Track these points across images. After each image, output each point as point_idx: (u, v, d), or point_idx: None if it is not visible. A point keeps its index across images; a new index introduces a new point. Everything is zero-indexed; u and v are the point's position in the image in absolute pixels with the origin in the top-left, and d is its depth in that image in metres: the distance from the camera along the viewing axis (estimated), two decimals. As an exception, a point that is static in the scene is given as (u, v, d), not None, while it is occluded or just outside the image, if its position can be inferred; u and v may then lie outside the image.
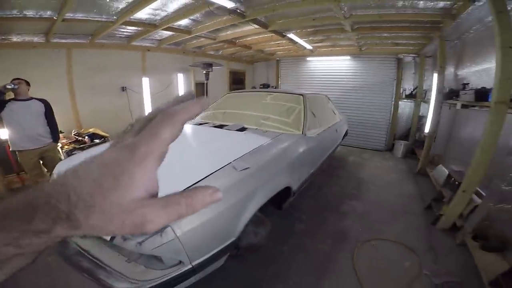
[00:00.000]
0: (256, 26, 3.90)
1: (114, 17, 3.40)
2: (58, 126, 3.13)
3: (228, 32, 4.61)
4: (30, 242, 0.21)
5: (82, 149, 3.50)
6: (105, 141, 3.83)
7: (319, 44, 5.48)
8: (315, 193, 3.53)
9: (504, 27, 1.94)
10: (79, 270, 1.35)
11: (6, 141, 3.26)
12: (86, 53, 4.21)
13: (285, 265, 2.20)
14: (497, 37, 1.97)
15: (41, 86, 3.53)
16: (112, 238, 1.25)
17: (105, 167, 0.23)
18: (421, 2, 2.83)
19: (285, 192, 2.16)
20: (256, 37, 4.93)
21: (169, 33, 4.46)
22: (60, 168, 2.01)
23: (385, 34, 4.40)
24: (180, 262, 1.29)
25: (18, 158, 2.93)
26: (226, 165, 1.69)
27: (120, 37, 4.46)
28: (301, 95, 3.00)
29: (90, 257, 1.40)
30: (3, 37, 3.52)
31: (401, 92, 5.81)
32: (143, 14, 3.42)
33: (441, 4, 2.79)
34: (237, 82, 7.50)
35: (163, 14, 3.52)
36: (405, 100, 5.84)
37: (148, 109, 5.12)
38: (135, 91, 4.85)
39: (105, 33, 3.87)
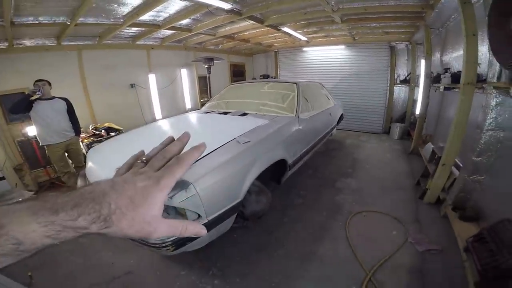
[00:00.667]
0: (253, 22, 4.18)
1: (121, 20, 3.70)
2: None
3: (226, 28, 4.88)
4: (67, 235, 0.27)
5: (100, 141, 3.87)
6: (120, 133, 4.18)
7: (314, 35, 5.74)
8: (312, 173, 3.90)
9: (468, 16, 2.22)
10: None
11: (33, 138, 3.67)
12: (95, 53, 4.54)
13: (285, 233, 2.54)
14: (463, 25, 2.25)
15: (57, 85, 3.87)
16: None
17: (138, 189, 0.32)
18: (402, -6, 3.09)
19: (282, 167, 2.54)
20: (253, 31, 5.20)
21: (171, 31, 4.74)
22: (91, 154, 2.39)
23: (374, 24, 4.65)
24: (199, 216, 1.62)
25: (47, 152, 3.32)
26: (231, 140, 2.08)
27: (125, 37, 4.77)
28: (295, 83, 3.33)
29: None
30: (18, 41, 3.86)
31: (395, 78, 6.07)
32: (146, 16, 3.69)
33: (421, -6, 3.05)
34: (237, 74, 7.83)
35: (166, 15, 3.83)
36: (400, 86, 6.10)
37: (156, 103, 5.49)
38: (143, 87, 5.20)
39: (112, 35, 4.19)
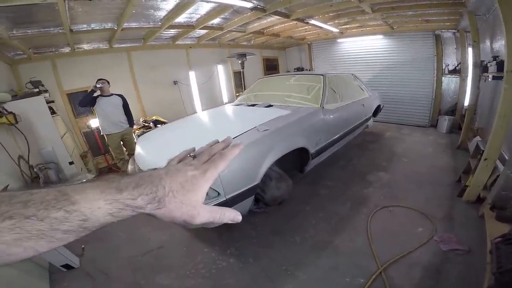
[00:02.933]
0: (278, 17, 4.23)
1: (159, 23, 4.13)
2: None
3: (255, 25, 5.06)
4: (125, 214, 0.31)
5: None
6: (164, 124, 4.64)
7: (347, 26, 5.57)
8: (344, 165, 3.91)
9: (507, 1, 2.01)
10: None
11: (96, 129, 4.34)
12: (142, 54, 5.16)
13: (305, 221, 2.65)
14: (499, 11, 2.05)
15: (111, 84, 4.51)
16: None
17: (188, 177, 0.37)
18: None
19: (305, 156, 2.68)
20: (282, 25, 5.27)
21: (204, 31, 5.10)
22: (140, 141, 2.85)
23: (410, 12, 4.36)
24: (218, 194, 1.86)
25: (106, 140, 3.97)
26: (252, 128, 2.31)
27: (166, 38, 5.28)
28: (322, 75, 3.40)
29: None
30: (78, 46, 4.57)
31: (443, 68, 5.57)
32: (181, 18, 4.03)
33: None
34: (270, 68, 8.02)
35: (198, 16, 4.16)
36: (448, 76, 5.62)
37: (196, 98, 6.05)
38: (184, 84, 5.74)
39: (154, 37, 4.69)
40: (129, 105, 4.00)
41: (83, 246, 2.47)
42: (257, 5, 3.58)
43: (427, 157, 4.08)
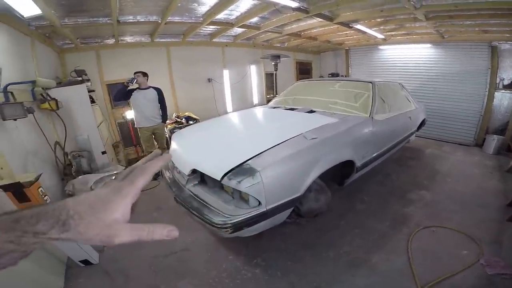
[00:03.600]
0: (321, 20, 4.07)
1: (201, 19, 4.12)
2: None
3: (293, 26, 4.90)
4: (28, 240, 0.30)
5: (180, 128, 4.48)
6: (197, 122, 4.68)
7: (392, 33, 5.26)
8: (381, 179, 3.63)
9: None
10: (190, 209, 1.90)
11: (130, 120, 4.45)
12: (180, 50, 5.27)
13: (339, 236, 2.46)
14: None
15: (150, 77, 4.62)
16: (222, 178, 1.75)
17: (98, 197, 0.35)
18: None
19: (348, 168, 2.50)
20: (322, 29, 5.13)
21: (242, 29, 5.05)
22: (175, 137, 2.79)
23: (468, 22, 4.02)
24: (259, 204, 1.75)
25: (139, 133, 4.03)
26: (298, 135, 2.16)
27: (204, 35, 5.34)
28: (370, 82, 3.20)
29: (199, 200, 1.94)
30: (121, 38, 4.72)
31: (497, 82, 5.06)
32: (221, 15, 4.00)
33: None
34: (303, 72, 7.87)
35: (237, 14, 4.08)
36: (502, 91, 5.09)
37: (228, 97, 6.05)
38: (218, 82, 5.76)
39: (193, 33, 4.73)
40: (165, 100, 4.01)
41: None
42: (301, 5, 3.44)
43: (473, 178, 3.72)
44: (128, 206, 0.36)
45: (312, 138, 2.07)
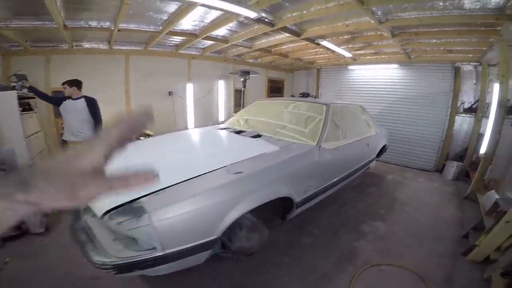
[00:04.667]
0: (288, 35, 3.99)
1: (160, 28, 3.84)
2: None
3: (262, 41, 4.77)
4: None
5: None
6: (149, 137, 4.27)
7: (361, 52, 5.19)
8: (336, 209, 3.30)
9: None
10: (75, 241, 1.58)
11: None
12: (141, 59, 4.86)
13: (278, 276, 2.11)
14: None
15: (104, 86, 4.26)
16: (103, 215, 1.40)
17: (65, 156, 0.31)
18: (467, 1, 2.46)
19: (288, 203, 2.15)
20: (292, 45, 4.97)
21: (210, 42, 4.84)
22: None
23: (434, 40, 3.94)
24: (154, 247, 1.39)
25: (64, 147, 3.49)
26: (220, 168, 1.79)
27: (169, 45, 5.02)
28: (325, 104, 2.91)
29: (90, 233, 1.59)
30: (77, 43, 4.33)
31: (458, 105, 5.04)
32: (186, 25, 3.82)
33: (493, 3, 2.38)
34: (275, 90, 7.58)
35: (202, 25, 3.87)
36: (463, 115, 5.05)
37: (190, 112, 5.59)
38: (180, 96, 5.35)
39: (155, 42, 4.43)
40: (110, 111, 3.51)
41: (7, 259, 2.04)
42: (264, 17, 3.27)
43: (431, 206, 3.51)
44: (98, 154, 0.31)
45: (236, 173, 1.71)
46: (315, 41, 4.18)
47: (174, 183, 1.58)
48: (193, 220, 1.48)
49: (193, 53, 5.41)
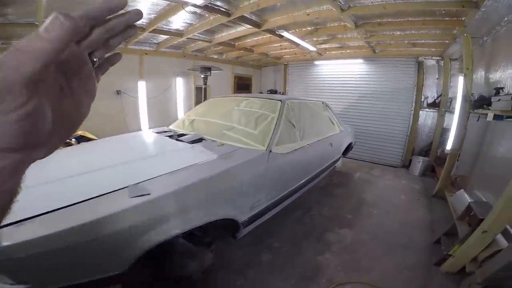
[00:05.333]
0: (249, 26, 3.56)
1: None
2: None
3: (223, 34, 4.27)
4: None
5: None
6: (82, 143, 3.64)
7: (326, 46, 4.89)
8: (300, 216, 2.93)
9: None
10: None
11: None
12: None
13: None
14: None
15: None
16: None
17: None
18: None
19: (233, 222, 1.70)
20: (255, 38, 4.53)
21: (165, 36, 4.27)
22: None
23: (398, 32, 3.71)
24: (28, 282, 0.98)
25: None
26: (121, 188, 1.28)
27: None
28: (280, 100, 2.48)
29: None
30: (3, 41, 3.54)
31: (422, 100, 4.94)
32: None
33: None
34: (242, 87, 7.06)
35: (149, 17, 3.36)
36: (426, 110, 4.96)
37: (143, 113, 4.89)
38: (130, 95, 4.66)
39: None
40: None
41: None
42: (217, 5, 2.85)
43: (400, 207, 3.26)
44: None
45: (140, 195, 1.22)
46: (277, 32, 3.76)
47: (60, 206, 1.11)
48: (74, 255, 1.04)
49: (146, 48, 4.76)
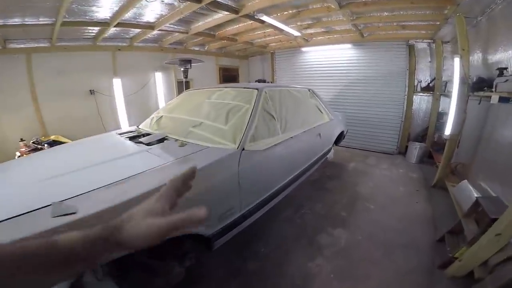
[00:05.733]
0: (226, 12, 3.21)
1: (53, 19, 2.91)
2: (17, 133, 3.31)
3: (199, 23, 3.89)
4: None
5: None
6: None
7: (311, 31, 4.54)
8: (291, 215, 2.67)
9: None
10: None
11: None
12: (48, 57, 3.72)
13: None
14: None
15: (2, 92, 3.33)
16: None
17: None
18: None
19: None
20: (235, 26, 4.17)
21: (137, 30, 3.88)
22: None
23: (386, 13, 3.38)
24: None
25: None
26: (45, 206, 1.00)
27: (85, 38, 3.94)
28: (256, 89, 2.14)
29: None
30: None
31: (415, 84, 4.65)
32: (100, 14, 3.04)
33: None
34: (229, 79, 6.65)
35: (113, 11, 3.06)
36: (420, 94, 4.68)
37: (121, 111, 4.52)
38: (104, 94, 4.28)
39: (56, 36, 3.39)
40: (15, 120, 2.92)
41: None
42: None
43: (399, 200, 2.99)
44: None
45: (64, 214, 0.93)
46: (256, 17, 3.39)
47: None
48: None
49: (118, 44, 4.34)
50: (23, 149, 3.34)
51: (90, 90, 4.12)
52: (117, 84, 4.37)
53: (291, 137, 2.20)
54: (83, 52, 4.02)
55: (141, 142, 1.83)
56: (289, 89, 2.69)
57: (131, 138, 1.99)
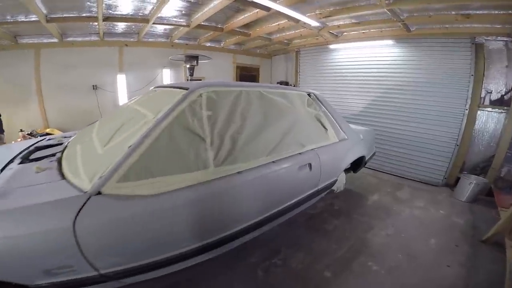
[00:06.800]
0: None
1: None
2: (21, 125, 3.44)
3: (198, 15, 3.49)
4: None
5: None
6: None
7: (338, 23, 3.72)
8: (252, 266, 1.94)
9: None
10: None
11: None
12: (55, 52, 3.82)
13: None
14: None
15: (8, 86, 3.51)
16: None
17: None
18: None
19: None
20: (241, 17, 3.65)
21: (140, 24, 3.73)
22: None
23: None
24: None
25: None
26: None
27: (92, 33, 3.96)
28: (186, 89, 1.52)
29: None
30: None
31: (483, 96, 3.43)
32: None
33: None
34: (247, 78, 6.09)
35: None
36: (489, 109, 3.43)
37: None
38: (107, 90, 4.24)
39: (58, 32, 3.47)
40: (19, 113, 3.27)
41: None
42: None
43: (421, 261, 2.04)
44: None
45: None
46: (258, 3, 2.79)
47: None
48: None
49: (125, 39, 4.24)
50: (19, 140, 3.43)
51: (93, 86, 4.13)
52: (121, 80, 4.31)
53: (238, 173, 1.48)
54: (90, 47, 4.05)
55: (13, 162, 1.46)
56: (263, 92, 1.92)
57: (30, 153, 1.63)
